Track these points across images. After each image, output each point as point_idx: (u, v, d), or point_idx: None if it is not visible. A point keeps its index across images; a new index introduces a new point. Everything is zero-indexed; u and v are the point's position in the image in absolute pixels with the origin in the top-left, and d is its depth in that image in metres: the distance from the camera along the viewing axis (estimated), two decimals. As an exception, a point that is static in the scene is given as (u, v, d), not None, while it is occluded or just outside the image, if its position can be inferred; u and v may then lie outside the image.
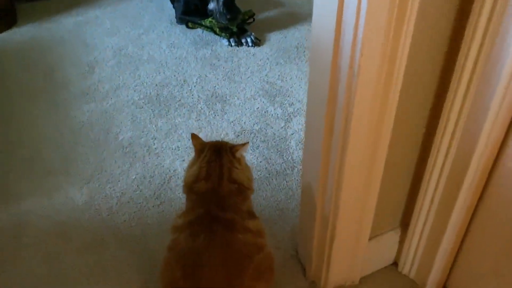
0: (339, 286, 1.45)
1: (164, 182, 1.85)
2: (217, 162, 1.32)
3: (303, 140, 1.92)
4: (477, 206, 1.21)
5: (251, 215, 1.35)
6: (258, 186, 1.82)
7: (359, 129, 1.05)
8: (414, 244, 1.38)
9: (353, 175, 1.14)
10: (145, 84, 2.41)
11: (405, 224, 1.41)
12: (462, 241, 1.30)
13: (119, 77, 2.46)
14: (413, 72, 1.05)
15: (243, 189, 1.33)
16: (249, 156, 1.96)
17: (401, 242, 1.44)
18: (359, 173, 1.15)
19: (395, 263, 1.52)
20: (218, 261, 1.22)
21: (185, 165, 1.93)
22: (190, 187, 1.36)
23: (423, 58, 1.05)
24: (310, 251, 1.40)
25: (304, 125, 2.08)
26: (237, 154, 1.34)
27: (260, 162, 1.93)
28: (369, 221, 1.29)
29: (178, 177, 1.87)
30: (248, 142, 1.39)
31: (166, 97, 2.31)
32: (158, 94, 2.33)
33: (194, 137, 1.40)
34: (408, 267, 1.46)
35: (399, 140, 1.17)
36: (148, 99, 2.30)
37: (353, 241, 1.32)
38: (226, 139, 2.05)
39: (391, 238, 1.44)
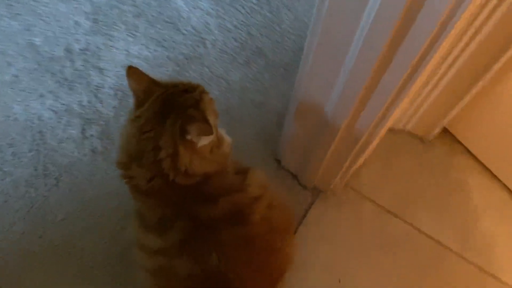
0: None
1: (37, 144, 1.17)
2: (152, 137, 0.76)
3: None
4: None
5: (242, 171, 0.90)
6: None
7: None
8: (418, 101, 1.13)
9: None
10: None
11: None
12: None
13: None
14: None
15: (211, 175, 0.81)
16: (134, 47, 1.31)
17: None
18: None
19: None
20: (251, 269, 0.83)
21: (51, 101, 1.23)
22: (123, 176, 0.82)
23: None
24: (316, 167, 1.06)
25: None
26: (191, 137, 0.74)
27: (155, 51, 1.31)
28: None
29: (52, 126, 1.19)
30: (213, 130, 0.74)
31: None
32: None
33: (130, 73, 0.78)
34: (404, 121, 1.23)
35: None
36: None
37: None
38: (80, 32, 1.31)
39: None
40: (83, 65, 1.27)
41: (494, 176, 1.21)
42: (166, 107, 0.77)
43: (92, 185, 1.14)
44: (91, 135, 1.19)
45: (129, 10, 1.36)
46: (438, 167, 1.23)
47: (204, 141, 0.76)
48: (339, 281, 1.10)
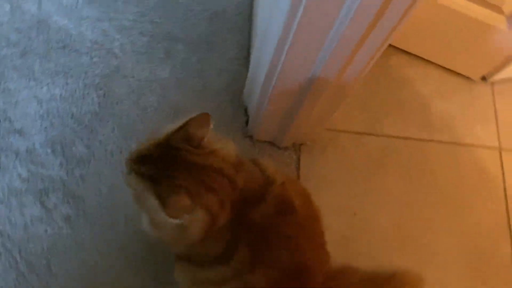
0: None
1: (2, 244, 1.00)
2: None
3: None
4: None
5: (253, 162, 0.89)
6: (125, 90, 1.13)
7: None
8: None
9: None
10: None
11: None
12: None
13: None
14: None
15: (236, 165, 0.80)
16: (41, 91, 1.12)
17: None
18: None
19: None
20: (312, 245, 0.87)
21: (-12, 193, 1.04)
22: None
23: None
24: (297, 128, 1.06)
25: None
26: (204, 143, 0.74)
27: (67, 85, 1.14)
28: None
29: (4, 216, 1.02)
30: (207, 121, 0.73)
31: None
32: None
33: None
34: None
35: None
36: None
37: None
38: None
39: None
40: (-4, 136, 1.08)
41: (428, 61, 1.33)
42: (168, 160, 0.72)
43: (88, 253, 1.03)
44: (55, 205, 1.05)
45: (10, 53, 1.15)
46: (380, 73, 1.31)
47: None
48: (355, 214, 1.17)
